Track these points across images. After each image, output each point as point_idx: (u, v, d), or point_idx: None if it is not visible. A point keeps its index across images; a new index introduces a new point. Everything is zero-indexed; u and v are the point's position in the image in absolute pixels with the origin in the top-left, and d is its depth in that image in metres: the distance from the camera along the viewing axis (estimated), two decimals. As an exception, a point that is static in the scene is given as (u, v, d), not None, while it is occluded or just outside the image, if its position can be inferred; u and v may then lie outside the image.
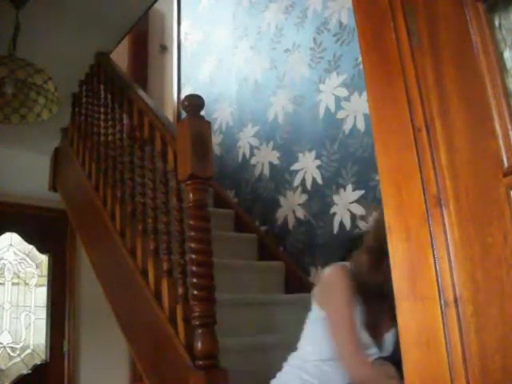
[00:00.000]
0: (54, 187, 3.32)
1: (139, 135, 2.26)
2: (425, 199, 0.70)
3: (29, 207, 4.07)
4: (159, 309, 1.83)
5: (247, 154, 3.26)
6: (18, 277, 4.12)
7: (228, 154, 3.44)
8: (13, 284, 4.07)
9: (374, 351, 1.47)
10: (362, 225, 2.38)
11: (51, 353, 4.02)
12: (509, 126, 0.65)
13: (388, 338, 1.51)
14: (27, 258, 4.21)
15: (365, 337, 1.46)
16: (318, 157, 2.71)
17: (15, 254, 4.16)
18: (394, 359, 1.49)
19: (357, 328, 1.44)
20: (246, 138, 3.29)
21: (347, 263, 1.54)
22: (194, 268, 1.62)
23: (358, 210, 2.41)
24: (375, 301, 1.49)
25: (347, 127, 2.56)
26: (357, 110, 2.52)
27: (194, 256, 1.63)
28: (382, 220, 1.52)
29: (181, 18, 4.29)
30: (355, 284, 1.48)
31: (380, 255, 1.43)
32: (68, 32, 2.74)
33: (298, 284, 2.59)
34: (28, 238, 4.18)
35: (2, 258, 4.07)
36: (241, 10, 3.56)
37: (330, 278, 1.51)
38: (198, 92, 1.99)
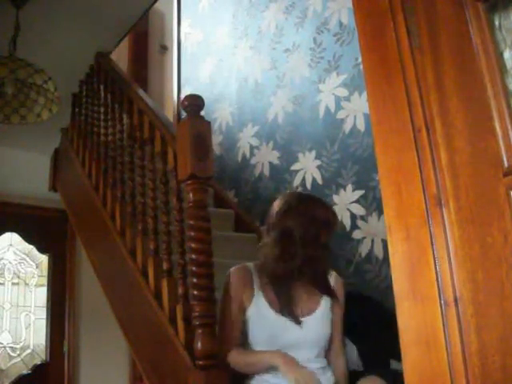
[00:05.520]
0: (54, 187, 3.32)
1: (139, 135, 2.26)
2: (425, 199, 0.70)
3: (29, 207, 4.07)
4: (159, 309, 1.83)
5: (247, 154, 3.26)
6: (18, 277, 4.12)
7: (228, 154, 3.44)
8: (13, 284, 4.07)
9: (297, 334, 1.54)
10: (361, 224, 2.38)
11: (51, 353, 4.02)
12: (509, 126, 0.65)
13: (312, 318, 1.58)
14: (27, 258, 4.20)
15: (274, 320, 1.55)
16: (318, 157, 2.71)
17: (15, 253, 4.16)
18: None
19: (232, 325, 1.59)
20: (246, 138, 3.29)
21: (248, 263, 1.69)
22: (194, 268, 1.62)
23: (358, 210, 2.41)
24: (280, 282, 1.59)
25: (347, 127, 2.56)
26: (357, 109, 2.52)
27: (194, 256, 1.63)
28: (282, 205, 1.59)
29: (181, 18, 4.28)
30: (264, 275, 1.61)
31: (277, 237, 1.59)
32: (68, 32, 2.74)
33: (298, 284, 2.59)
34: (28, 238, 4.18)
35: (2, 258, 4.06)
36: (241, 10, 3.56)
37: (224, 281, 1.67)
38: (198, 92, 1.99)
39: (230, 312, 1.60)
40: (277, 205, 1.66)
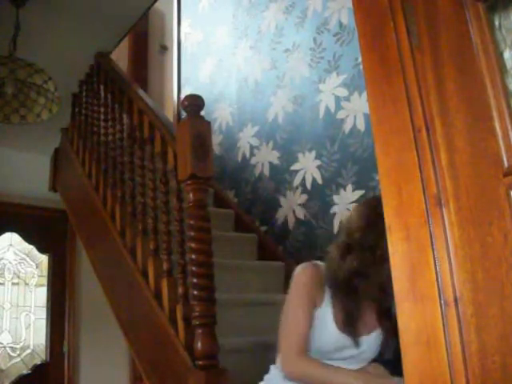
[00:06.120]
0: (53, 187, 3.32)
1: (139, 135, 2.26)
2: (425, 199, 0.70)
3: (29, 207, 4.07)
4: (159, 309, 1.83)
5: (247, 154, 3.26)
6: (18, 277, 4.12)
7: (228, 154, 3.44)
8: (13, 284, 4.07)
9: (352, 352, 1.45)
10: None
11: (51, 353, 4.02)
12: (509, 126, 0.65)
13: (370, 339, 1.48)
14: (27, 258, 4.20)
15: (336, 337, 1.43)
16: (318, 157, 2.71)
17: (15, 254, 4.16)
18: (386, 360, 1.49)
19: (305, 328, 1.41)
20: (246, 138, 3.29)
21: (319, 262, 1.53)
22: (194, 268, 1.62)
23: (358, 210, 2.41)
24: (350, 299, 1.44)
25: (347, 127, 2.56)
26: (357, 109, 2.52)
27: (194, 256, 1.63)
28: (357, 215, 1.49)
29: (181, 18, 4.29)
30: (329, 282, 1.45)
31: (355, 251, 1.42)
32: (68, 32, 2.74)
33: (298, 284, 2.59)
34: (28, 238, 4.18)
35: (2, 258, 4.07)
36: (241, 10, 3.56)
37: (294, 277, 1.49)
38: (198, 92, 1.99)
39: (302, 315, 1.42)
40: (353, 213, 1.51)
